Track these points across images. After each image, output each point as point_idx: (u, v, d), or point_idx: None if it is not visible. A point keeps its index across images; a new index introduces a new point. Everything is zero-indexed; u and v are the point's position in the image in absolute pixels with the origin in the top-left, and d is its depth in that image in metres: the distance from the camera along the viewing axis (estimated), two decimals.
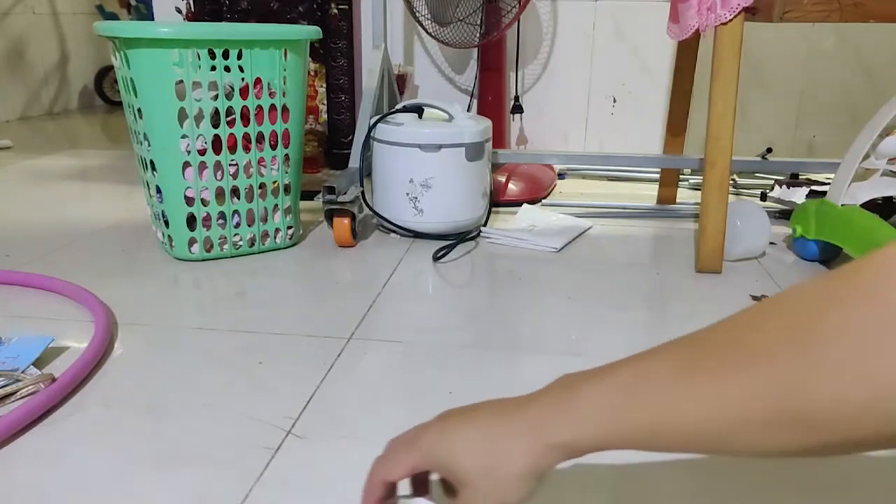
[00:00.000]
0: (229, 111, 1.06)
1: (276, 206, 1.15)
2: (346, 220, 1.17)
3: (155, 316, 0.92)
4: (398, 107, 1.29)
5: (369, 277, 1.06)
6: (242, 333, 0.87)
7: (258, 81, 1.07)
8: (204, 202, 1.08)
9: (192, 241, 1.10)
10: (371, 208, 1.25)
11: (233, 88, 1.06)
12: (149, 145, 1.05)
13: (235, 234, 1.13)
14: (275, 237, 1.17)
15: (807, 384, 0.32)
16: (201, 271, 1.08)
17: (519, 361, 0.81)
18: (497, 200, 1.47)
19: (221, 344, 0.84)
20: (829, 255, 1.14)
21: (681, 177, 1.61)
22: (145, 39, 0.99)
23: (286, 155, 1.14)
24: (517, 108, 1.76)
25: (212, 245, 1.12)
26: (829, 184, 1.22)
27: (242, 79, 1.06)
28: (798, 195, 1.49)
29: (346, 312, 0.93)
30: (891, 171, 1.04)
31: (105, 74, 3.04)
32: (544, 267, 1.12)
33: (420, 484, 0.47)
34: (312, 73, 1.59)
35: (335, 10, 1.55)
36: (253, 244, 1.15)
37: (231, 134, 1.07)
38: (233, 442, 0.65)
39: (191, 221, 1.09)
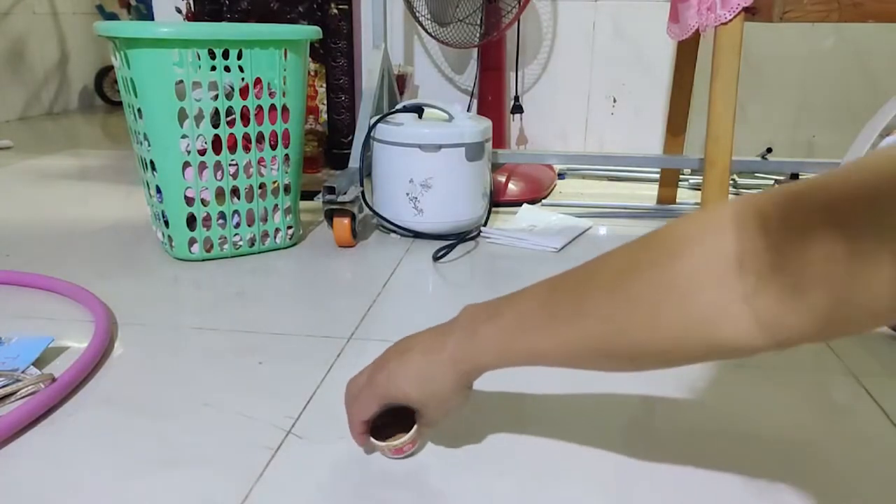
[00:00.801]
0: (229, 111, 1.06)
1: (276, 206, 1.15)
2: (346, 220, 1.17)
3: (155, 316, 0.92)
4: (398, 107, 1.29)
5: (369, 277, 1.06)
6: (242, 333, 0.87)
7: (258, 81, 1.07)
8: (204, 202, 1.08)
9: (192, 241, 1.10)
10: (371, 208, 1.25)
11: (233, 88, 1.06)
12: (149, 145, 1.05)
13: (235, 234, 1.13)
14: (275, 237, 1.17)
15: (622, 330, 0.45)
16: (201, 271, 1.08)
17: None
18: (497, 200, 1.47)
19: (221, 344, 0.84)
20: None
21: (681, 177, 1.62)
22: (145, 39, 0.99)
23: (286, 155, 1.14)
24: (517, 108, 1.76)
25: (212, 245, 1.12)
26: None
27: (242, 79, 1.06)
28: None
29: (346, 312, 0.93)
30: None
31: (105, 74, 3.04)
32: (544, 267, 1.12)
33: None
34: (312, 73, 1.59)
35: (335, 10, 1.55)
36: (253, 244, 1.15)
37: (231, 134, 1.07)
38: (233, 442, 0.65)
39: (191, 221, 1.09)
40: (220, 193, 1.09)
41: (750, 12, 1.06)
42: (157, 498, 0.57)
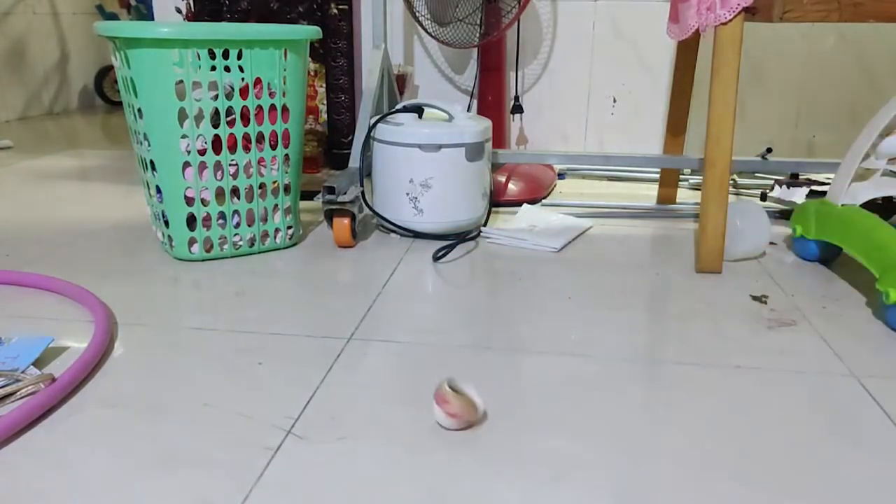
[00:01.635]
0: (229, 111, 1.06)
1: (276, 206, 1.15)
2: (346, 220, 1.17)
3: (155, 316, 0.92)
4: (398, 107, 1.29)
5: (369, 277, 1.06)
6: (242, 333, 0.87)
7: (258, 81, 1.07)
8: (204, 202, 1.08)
9: (192, 241, 1.10)
10: (371, 208, 1.25)
11: (233, 88, 1.06)
12: (149, 145, 1.05)
13: (235, 234, 1.13)
14: (275, 237, 1.17)
15: None
16: (201, 271, 1.08)
17: (519, 361, 0.81)
18: (497, 200, 1.47)
19: (221, 344, 0.84)
20: (829, 255, 1.14)
21: (681, 177, 1.61)
22: (145, 39, 0.99)
23: (286, 155, 1.14)
24: (517, 108, 1.76)
25: (212, 245, 1.12)
26: (829, 184, 1.22)
27: (242, 79, 1.06)
28: (798, 195, 1.50)
29: (346, 312, 0.93)
30: (891, 171, 1.04)
31: (105, 74, 3.04)
32: (544, 267, 1.12)
33: None
34: (312, 73, 1.59)
35: (335, 10, 1.55)
36: (253, 244, 1.15)
37: (231, 134, 1.07)
38: (233, 442, 0.65)
39: (191, 221, 1.09)
40: (220, 193, 1.09)
41: (750, 12, 1.06)
42: (157, 498, 0.57)
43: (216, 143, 1.06)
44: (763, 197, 1.53)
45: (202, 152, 1.06)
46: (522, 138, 1.87)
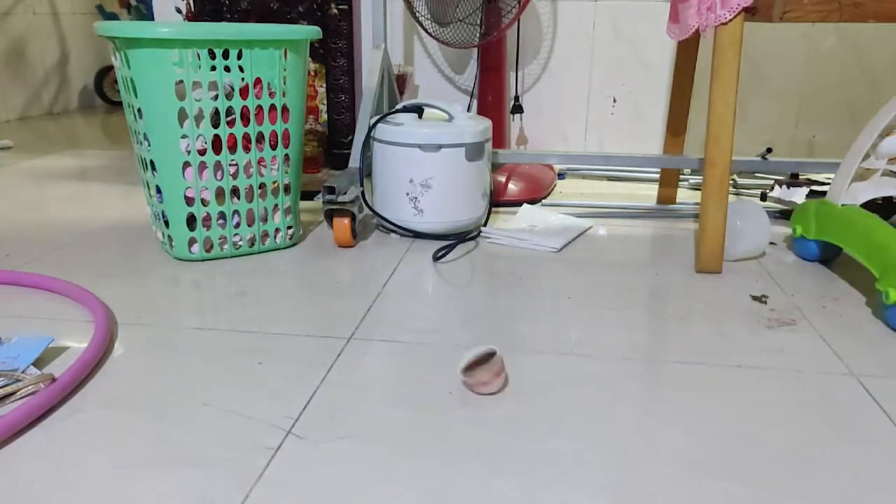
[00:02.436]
0: (229, 111, 1.06)
1: (276, 206, 1.15)
2: (346, 220, 1.17)
3: (155, 316, 0.92)
4: (398, 107, 1.29)
5: (369, 277, 1.06)
6: (242, 333, 0.87)
7: (258, 81, 1.07)
8: (204, 202, 1.08)
9: (192, 241, 1.10)
10: (371, 208, 1.25)
11: (233, 88, 1.06)
12: (149, 145, 1.05)
13: (235, 234, 1.13)
14: (275, 237, 1.17)
15: None
16: (201, 271, 1.08)
17: (519, 361, 0.81)
18: (497, 200, 1.47)
19: (221, 344, 0.84)
20: (829, 255, 1.14)
21: (681, 177, 1.61)
22: (145, 39, 0.99)
23: (286, 155, 1.14)
24: (517, 108, 1.76)
25: (212, 245, 1.12)
26: (829, 184, 1.22)
27: (242, 79, 1.06)
28: (798, 195, 1.49)
29: (346, 312, 0.93)
30: (891, 171, 1.04)
31: (105, 74, 3.04)
32: (544, 267, 1.12)
33: None
34: (312, 73, 1.59)
35: (335, 10, 1.55)
36: (253, 244, 1.15)
37: (231, 134, 1.07)
38: (233, 442, 0.65)
39: (191, 221, 1.09)
40: (220, 193, 1.09)
41: (750, 12, 1.06)
42: (157, 498, 0.57)
43: (216, 143, 1.06)
44: (763, 197, 1.53)
45: (202, 152, 1.06)
46: (522, 138, 1.87)
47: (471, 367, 0.74)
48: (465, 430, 0.67)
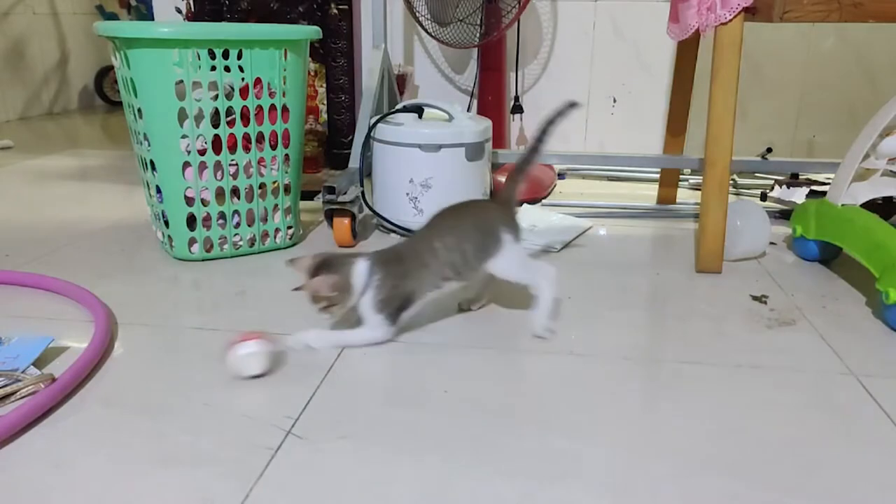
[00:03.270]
0: (229, 111, 1.06)
1: (276, 206, 1.15)
2: (346, 220, 1.17)
3: (155, 316, 0.92)
4: (398, 107, 1.29)
5: None
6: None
7: (258, 81, 1.07)
8: (204, 202, 1.08)
9: (192, 241, 1.10)
10: (371, 208, 1.25)
11: (233, 88, 1.06)
12: (149, 145, 1.05)
13: (235, 234, 1.13)
14: (275, 237, 1.17)
15: None
16: (201, 271, 1.08)
17: (519, 361, 0.81)
18: None
19: (221, 344, 0.84)
20: (829, 255, 1.14)
21: (681, 177, 1.61)
22: (145, 39, 0.99)
23: (286, 155, 1.14)
24: (517, 108, 1.76)
25: (212, 245, 1.12)
26: (829, 184, 1.22)
27: (242, 79, 1.06)
28: (798, 195, 1.49)
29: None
30: (891, 171, 1.04)
31: (105, 74, 3.04)
32: None
33: None
34: (312, 73, 1.59)
35: (335, 10, 1.55)
36: (253, 244, 1.15)
37: (231, 134, 1.07)
38: (233, 442, 0.65)
39: (191, 221, 1.09)
40: (220, 193, 1.09)
41: (750, 12, 1.06)
42: (157, 498, 0.57)
43: (216, 143, 1.06)
44: (763, 197, 1.53)
45: (202, 152, 1.06)
46: (522, 138, 1.87)
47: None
48: (465, 430, 0.67)
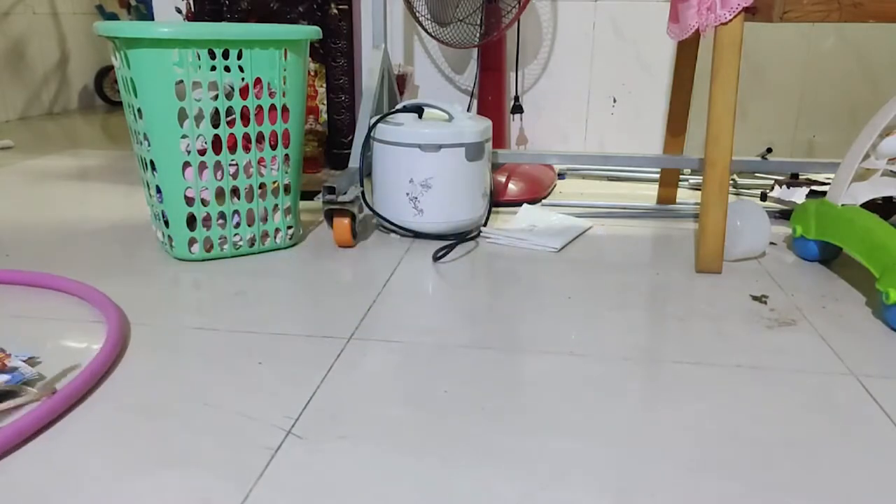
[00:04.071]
0: (229, 111, 1.06)
1: (276, 206, 1.15)
2: (346, 220, 1.17)
3: (155, 316, 0.92)
4: (398, 107, 1.29)
5: (369, 277, 1.06)
6: (242, 333, 0.87)
7: (258, 81, 1.07)
8: (204, 202, 1.08)
9: (192, 241, 1.10)
10: (371, 208, 1.25)
11: (233, 88, 1.06)
12: (149, 145, 1.05)
13: (235, 234, 1.13)
14: (275, 237, 1.17)
15: None
16: (201, 271, 1.08)
17: (519, 361, 0.81)
18: (497, 200, 1.47)
19: (221, 344, 0.84)
20: (829, 255, 1.14)
21: (681, 177, 1.61)
22: (145, 39, 0.99)
23: (286, 155, 1.14)
24: (517, 108, 1.76)
25: (212, 245, 1.12)
26: (829, 184, 1.22)
27: (242, 79, 1.06)
28: (798, 195, 1.49)
29: (346, 312, 0.93)
30: (891, 171, 1.04)
31: (105, 74, 3.04)
32: (544, 267, 1.12)
33: None
34: (312, 73, 1.59)
35: (335, 10, 1.55)
36: (253, 244, 1.15)
37: (231, 134, 1.07)
38: (233, 442, 0.65)
39: (191, 221, 1.09)
40: (220, 193, 1.09)
41: (750, 12, 1.06)
42: (158, 498, 0.57)
43: (216, 143, 1.06)
44: (763, 197, 1.53)
45: (202, 152, 1.06)
46: (522, 138, 1.87)
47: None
48: (465, 430, 0.67)
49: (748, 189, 1.64)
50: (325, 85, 1.61)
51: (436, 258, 1.14)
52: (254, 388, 0.74)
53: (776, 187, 1.54)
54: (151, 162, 1.06)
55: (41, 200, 1.50)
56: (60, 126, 2.58)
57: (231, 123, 1.07)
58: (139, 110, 1.03)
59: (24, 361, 0.77)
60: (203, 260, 1.12)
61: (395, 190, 1.22)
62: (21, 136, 2.33)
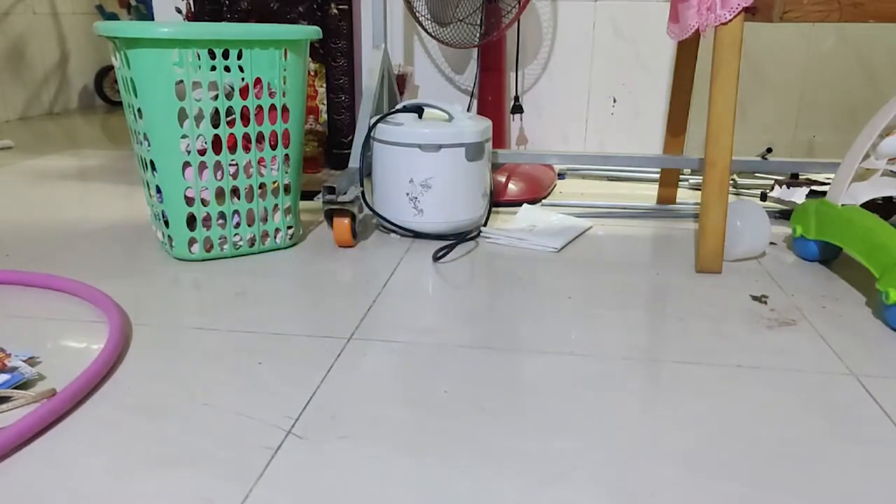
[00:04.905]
0: (229, 111, 1.06)
1: (276, 206, 1.15)
2: (346, 220, 1.17)
3: (155, 316, 0.92)
4: (398, 107, 1.29)
5: (369, 277, 1.06)
6: (242, 333, 0.87)
7: (258, 81, 1.07)
8: (204, 202, 1.08)
9: (192, 241, 1.10)
10: (371, 208, 1.25)
11: (233, 88, 1.06)
12: (149, 145, 1.05)
13: (235, 234, 1.13)
14: (275, 237, 1.17)
15: None
16: (201, 271, 1.08)
17: (518, 361, 0.81)
18: (497, 200, 1.47)
19: (221, 344, 0.84)
20: (829, 255, 1.14)
21: (681, 177, 1.61)
22: (145, 39, 0.99)
23: (286, 155, 1.14)
24: (517, 108, 1.76)
25: (212, 245, 1.12)
26: (829, 184, 1.22)
27: (242, 79, 1.06)
28: (798, 195, 1.49)
29: (346, 312, 0.93)
30: (891, 171, 1.04)
31: (105, 74, 3.04)
32: (544, 267, 1.12)
33: None
34: (312, 73, 1.59)
35: (335, 10, 1.55)
36: (253, 244, 1.15)
37: (231, 134, 1.07)
38: (233, 442, 0.65)
39: (191, 221, 1.09)
40: (220, 193, 1.09)
41: (750, 12, 1.06)
42: (157, 498, 0.57)
43: (216, 143, 1.06)
44: (763, 197, 1.53)
45: (202, 152, 1.06)
46: (522, 138, 1.87)
47: None
48: (465, 430, 0.67)
49: (748, 189, 1.64)
50: (325, 85, 1.61)
51: (436, 258, 1.14)
52: (254, 388, 0.74)
53: (776, 187, 1.54)
54: (151, 162, 1.06)
55: (41, 200, 1.50)
56: (60, 126, 2.58)
57: (231, 123, 1.07)
58: (139, 110, 1.03)
59: (24, 361, 0.77)
60: (203, 260, 1.12)
61: (395, 190, 1.22)
62: (21, 136, 2.33)
